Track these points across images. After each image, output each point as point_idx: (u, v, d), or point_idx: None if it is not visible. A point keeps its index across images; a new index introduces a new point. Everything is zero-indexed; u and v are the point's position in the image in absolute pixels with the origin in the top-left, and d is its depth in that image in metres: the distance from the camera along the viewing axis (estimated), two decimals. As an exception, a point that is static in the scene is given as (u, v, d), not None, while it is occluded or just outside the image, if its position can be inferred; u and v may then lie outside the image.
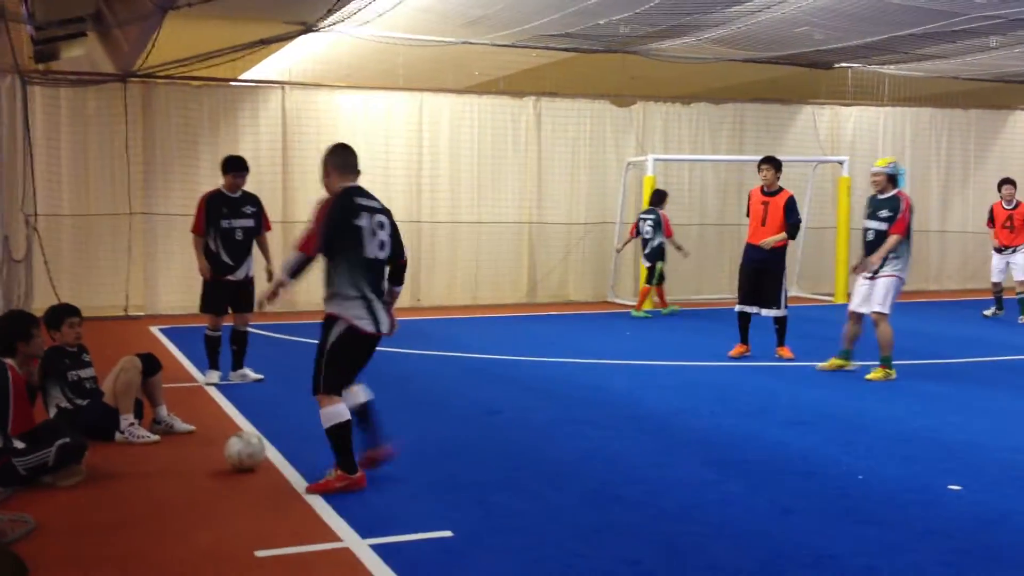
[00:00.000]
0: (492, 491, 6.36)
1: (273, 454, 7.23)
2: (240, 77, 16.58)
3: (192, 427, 7.95)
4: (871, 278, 10.29)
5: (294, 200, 16.09)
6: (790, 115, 18.99)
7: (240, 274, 9.92)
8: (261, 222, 10.15)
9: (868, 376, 10.23)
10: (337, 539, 5.50)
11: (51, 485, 6.41)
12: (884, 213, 10.22)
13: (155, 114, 15.50)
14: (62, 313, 7.69)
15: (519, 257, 17.51)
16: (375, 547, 5.34)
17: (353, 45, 15.53)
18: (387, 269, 6.61)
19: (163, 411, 7.92)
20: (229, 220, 9.80)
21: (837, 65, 18.02)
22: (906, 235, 10.19)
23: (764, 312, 11.60)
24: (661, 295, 16.17)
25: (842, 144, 19.04)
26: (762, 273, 11.54)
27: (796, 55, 16.71)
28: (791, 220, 11.40)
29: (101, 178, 15.34)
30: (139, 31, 12.52)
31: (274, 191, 16.03)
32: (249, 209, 10.00)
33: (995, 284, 15.77)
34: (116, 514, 6.00)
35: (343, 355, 6.41)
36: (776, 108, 18.91)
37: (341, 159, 6.74)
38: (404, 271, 6.81)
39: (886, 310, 10.18)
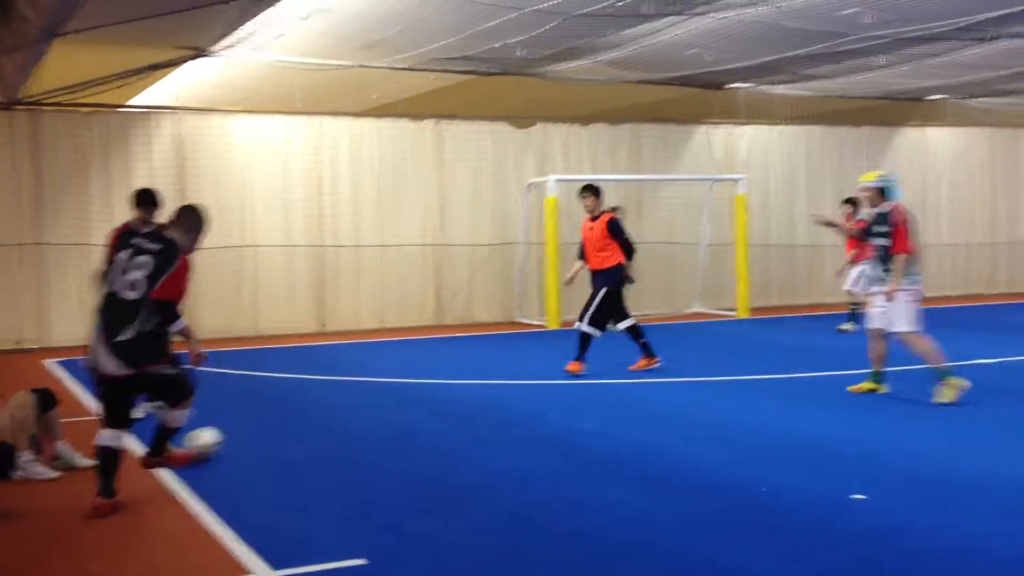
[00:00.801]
0: (405, 516, 6.30)
1: (177, 485, 7.06)
2: (131, 103, 16.24)
3: (93, 462, 7.70)
4: (887, 298, 9.80)
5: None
6: (685, 135, 19.35)
7: None
8: None
9: (937, 399, 9.57)
10: (246, 571, 5.38)
11: (-57, 528, 6.17)
12: (882, 228, 9.84)
13: (43, 142, 15.12)
14: None
15: (424, 279, 17.47)
16: (286, 579, 5.25)
17: (248, 68, 15.33)
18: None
19: (62, 446, 7.68)
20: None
21: (728, 86, 18.43)
22: (913, 249, 9.77)
23: (614, 327, 11.78)
24: None
25: (737, 162, 19.47)
26: (603, 290, 11.60)
27: (688, 76, 17.03)
28: (619, 240, 11.46)
29: (-12, 208, 14.88)
30: (25, 57, 12.21)
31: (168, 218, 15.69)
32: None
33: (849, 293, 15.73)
34: (17, 554, 5.80)
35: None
36: (672, 128, 19.26)
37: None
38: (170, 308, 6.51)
39: (913, 328, 9.73)
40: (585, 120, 18.73)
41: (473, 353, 14.40)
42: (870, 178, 10.19)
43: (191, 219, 6.92)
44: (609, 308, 11.66)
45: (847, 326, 15.44)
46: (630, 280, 11.84)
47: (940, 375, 9.67)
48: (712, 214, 18.94)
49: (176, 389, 6.75)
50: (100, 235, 15.31)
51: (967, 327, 15.49)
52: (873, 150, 20.79)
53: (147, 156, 15.71)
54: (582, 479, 7.21)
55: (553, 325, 16.89)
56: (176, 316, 6.52)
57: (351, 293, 17.01)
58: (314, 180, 16.62)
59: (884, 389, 10.15)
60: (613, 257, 11.60)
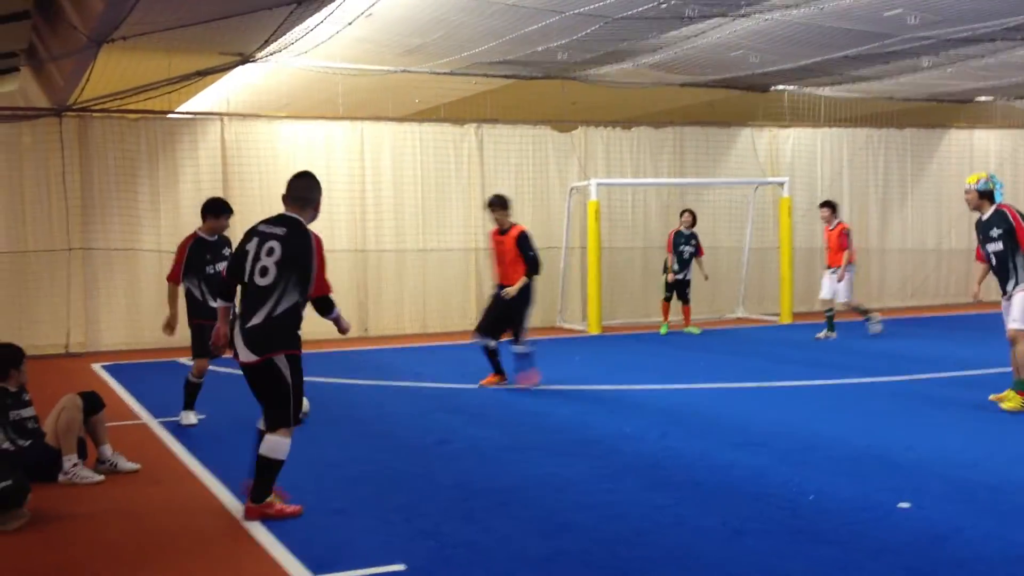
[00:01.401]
0: (444, 522, 6.30)
1: (220, 492, 7.11)
2: (178, 109, 16.44)
3: (138, 466, 7.79)
4: (1010, 298, 9.48)
5: (235, 232, 15.88)
6: (729, 137, 19.22)
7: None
8: None
9: (1003, 406, 9.34)
10: (288, 576, 5.41)
11: (-7, 530, 6.26)
12: (995, 232, 9.45)
13: (92, 148, 15.32)
14: (9, 360, 7.48)
15: (466, 284, 17.48)
16: (326, 584, 5.27)
17: (291, 74, 15.48)
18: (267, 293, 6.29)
19: (107, 450, 7.76)
20: (212, 265, 9.45)
21: (773, 88, 18.30)
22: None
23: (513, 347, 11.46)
24: (666, 311, 16.66)
25: (781, 165, 19.30)
26: (508, 308, 11.26)
27: (733, 78, 16.94)
28: (527, 255, 11.09)
29: (38, 214, 15.12)
30: (73, 65, 12.38)
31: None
32: (227, 251, 9.57)
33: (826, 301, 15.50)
34: (62, 557, 5.86)
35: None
36: (715, 131, 19.13)
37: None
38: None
39: (1022, 325, 9.31)
40: (627, 123, 18.67)
41: (514, 358, 14.35)
42: (972, 180, 9.77)
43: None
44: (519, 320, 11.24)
45: (824, 334, 15.23)
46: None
47: (1018, 384, 9.32)
48: (756, 217, 18.79)
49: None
50: (148, 240, 15.57)
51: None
52: (918, 152, 20.55)
53: (194, 162, 15.87)
54: (622, 484, 7.16)
55: (594, 330, 16.83)
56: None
57: (394, 297, 17.07)
58: (357, 184, 16.69)
59: None
60: (516, 271, 11.14)
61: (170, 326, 9.53)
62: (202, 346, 9.23)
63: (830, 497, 6.70)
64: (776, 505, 6.56)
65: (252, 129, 16.26)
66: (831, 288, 15.27)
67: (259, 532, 6.14)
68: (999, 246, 9.46)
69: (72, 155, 15.19)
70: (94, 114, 15.24)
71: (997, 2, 11.68)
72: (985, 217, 9.61)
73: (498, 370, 11.56)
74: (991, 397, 9.83)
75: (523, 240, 11.17)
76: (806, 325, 17.34)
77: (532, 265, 11.11)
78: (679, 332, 16.38)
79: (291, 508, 6.43)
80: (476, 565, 5.52)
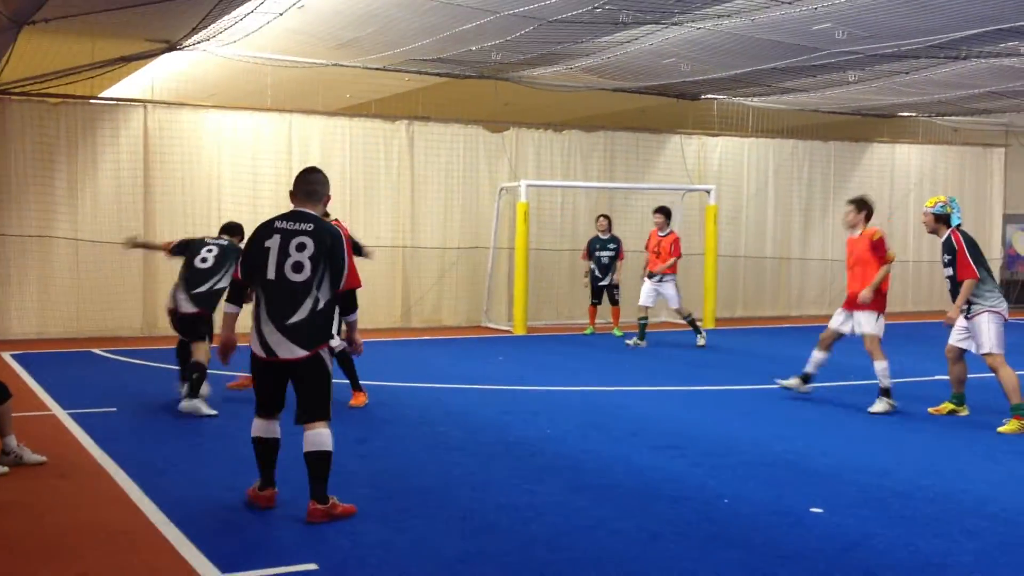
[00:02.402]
0: (358, 521, 6.20)
1: (129, 487, 6.93)
2: (100, 95, 16.05)
3: (43, 458, 7.56)
4: (968, 317, 9.43)
5: (155, 221, 15.65)
6: (659, 144, 19.36)
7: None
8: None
9: (1001, 429, 9.19)
10: (196, 574, 5.27)
11: None
12: (946, 258, 9.50)
13: (9, 132, 14.90)
14: None
15: (393, 281, 17.35)
16: (235, 582, 5.15)
17: (219, 64, 15.22)
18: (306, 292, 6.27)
19: (12, 441, 7.51)
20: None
21: (704, 96, 18.48)
22: (980, 273, 9.28)
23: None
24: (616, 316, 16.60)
25: (709, 173, 19.49)
26: None
27: (664, 86, 17.07)
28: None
29: (-50, 197, 14.66)
30: (-8, 44, 12.01)
31: (135, 212, 15.57)
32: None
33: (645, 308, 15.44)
34: (-44, 553, 5.65)
35: (252, 377, 6.51)
36: (645, 137, 19.26)
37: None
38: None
39: (996, 350, 9.25)
40: (559, 126, 18.71)
41: (438, 357, 14.31)
42: (930, 204, 9.73)
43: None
44: None
45: (634, 341, 15.28)
46: None
47: (1015, 409, 9.26)
48: (683, 224, 18.94)
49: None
50: (63, 228, 15.18)
51: (931, 343, 15.53)
52: (841, 164, 20.91)
53: (115, 149, 15.52)
54: (542, 486, 7.13)
55: (520, 330, 16.84)
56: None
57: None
58: (284, 178, 16.43)
59: (965, 411, 9.83)
60: None
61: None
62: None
63: (744, 501, 6.75)
64: (692, 509, 6.59)
65: (176, 118, 15.95)
66: (650, 296, 15.21)
67: (168, 529, 6.00)
68: (950, 271, 9.49)
69: (-12, 137, 14.78)
70: (13, 97, 14.82)
71: (923, 20, 11.89)
72: (942, 240, 9.61)
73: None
74: (930, 410, 9.96)
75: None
76: (729, 331, 17.54)
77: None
78: (605, 334, 16.43)
79: (349, 506, 6.31)
80: (390, 565, 5.45)
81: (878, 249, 10.12)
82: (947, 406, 9.92)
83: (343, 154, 16.91)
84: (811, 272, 20.80)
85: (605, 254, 16.43)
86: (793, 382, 10.73)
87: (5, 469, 7.27)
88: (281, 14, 12.20)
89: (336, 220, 10.79)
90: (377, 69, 15.62)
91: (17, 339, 14.67)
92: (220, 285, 9.52)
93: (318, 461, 6.21)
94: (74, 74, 14.04)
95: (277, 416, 6.49)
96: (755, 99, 18.51)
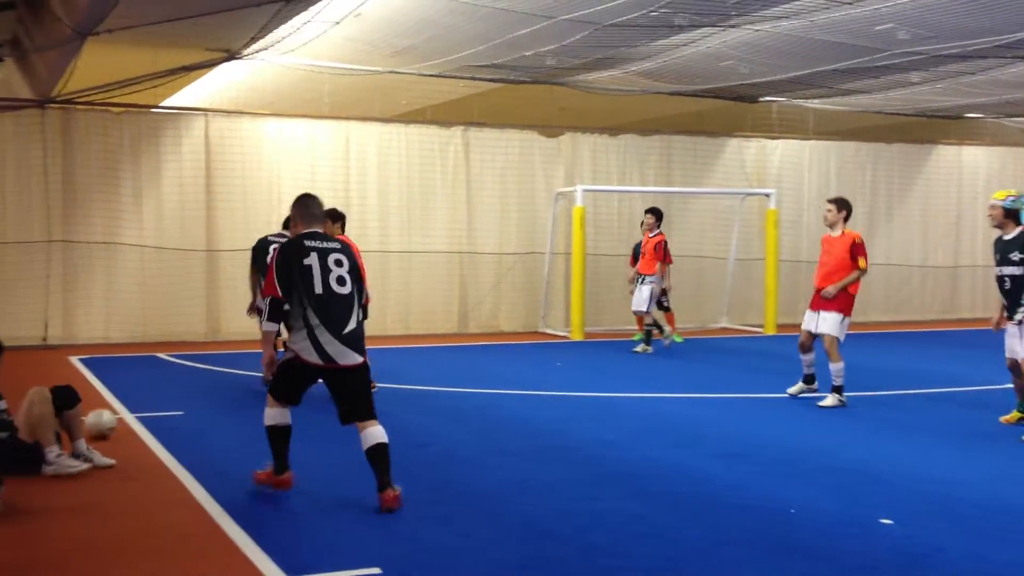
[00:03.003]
0: (421, 526, 6.22)
1: (196, 489, 7.01)
2: (162, 104, 16.31)
3: (112, 461, 7.67)
4: (1019, 324, 9.13)
5: (217, 228, 15.85)
6: (717, 147, 19.20)
7: None
8: None
9: (1004, 419, 9.35)
10: (261, 578, 5.32)
11: (-39, 524, 6.14)
12: (1016, 256, 9.03)
13: (74, 140, 15.18)
14: None
15: (450, 287, 17.40)
16: (300, 586, 5.18)
17: (278, 72, 15.38)
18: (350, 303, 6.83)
19: (82, 444, 7.64)
20: None
21: (762, 99, 18.30)
22: None
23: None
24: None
25: (768, 177, 19.28)
26: None
27: (722, 88, 16.92)
28: None
29: (19, 206, 15.00)
30: (58, 56, 12.26)
31: (198, 218, 15.79)
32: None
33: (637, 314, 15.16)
34: (33, 552, 5.75)
35: (286, 374, 6.89)
36: (703, 140, 19.10)
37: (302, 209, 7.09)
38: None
39: None
40: (615, 130, 18.63)
41: (496, 362, 14.32)
42: (1000, 196, 9.34)
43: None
44: None
45: (642, 348, 14.98)
46: None
47: None
48: (742, 228, 18.78)
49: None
50: (128, 234, 15.44)
51: (997, 349, 15.23)
52: (905, 167, 20.56)
53: (177, 157, 15.75)
54: (603, 492, 7.09)
55: (577, 336, 16.79)
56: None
57: (377, 299, 16.90)
58: (341, 185, 16.59)
59: None
60: None
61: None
62: None
63: (811, 510, 6.65)
64: (757, 517, 6.50)
65: (236, 126, 16.15)
66: (638, 299, 14.96)
67: (234, 531, 6.06)
68: (1017, 270, 9.08)
69: (54, 147, 15.06)
70: (78, 106, 15.11)
71: (988, 20, 11.66)
72: (1008, 237, 9.22)
73: None
74: (1001, 419, 9.68)
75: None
76: (791, 337, 17.30)
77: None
78: (658, 340, 16.15)
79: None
80: (451, 570, 5.45)
81: (857, 252, 10.36)
82: (1016, 415, 9.65)
83: (399, 160, 16.99)
84: (874, 277, 20.42)
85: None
86: (799, 387, 10.87)
87: (87, 465, 7.39)
88: (338, 23, 12.30)
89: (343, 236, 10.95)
90: (432, 76, 15.68)
91: (85, 344, 14.94)
92: None
93: (384, 452, 6.66)
94: (137, 84, 14.27)
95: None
96: (816, 101, 18.27)
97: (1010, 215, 9.22)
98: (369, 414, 6.73)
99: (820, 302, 10.47)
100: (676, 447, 8.60)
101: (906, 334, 17.63)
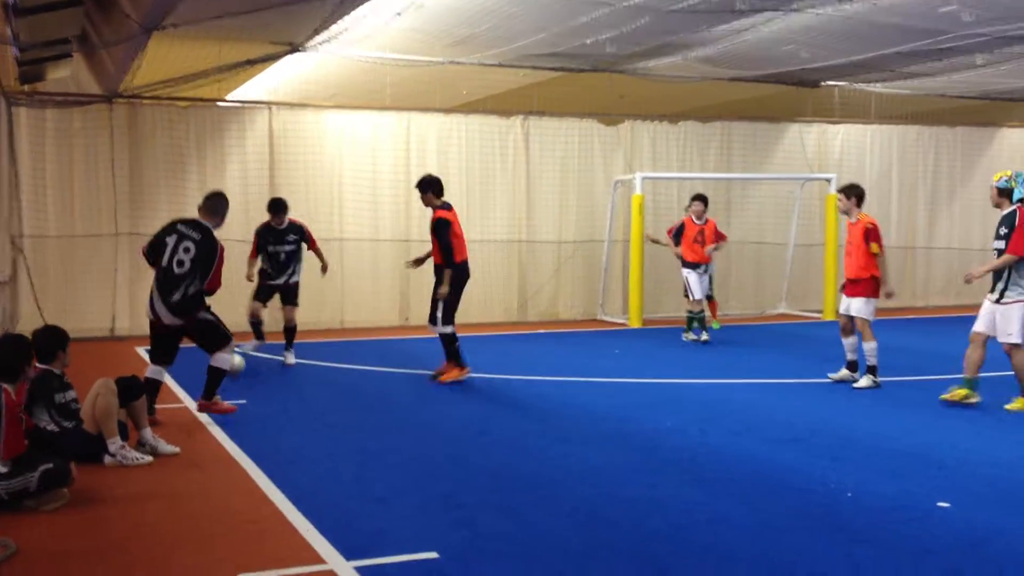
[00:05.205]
0: (479, 512, 6.30)
1: (258, 476, 7.16)
2: (226, 97, 16.55)
3: (177, 449, 7.87)
4: (997, 302, 9.53)
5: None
6: (777, 133, 19.02)
7: (281, 279, 12.63)
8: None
9: (1009, 407, 9.47)
10: (321, 561, 5.43)
11: (34, 509, 6.34)
12: (1002, 231, 9.52)
13: (141, 135, 15.46)
14: (56, 342, 7.54)
15: (509, 275, 17.46)
16: (360, 569, 5.28)
17: (340, 64, 15.53)
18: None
19: (147, 433, 7.84)
20: (274, 246, 12.62)
21: (824, 83, 18.10)
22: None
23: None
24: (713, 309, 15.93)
25: (830, 161, 19.06)
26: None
27: (783, 73, 16.76)
28: (439, 241, 11.09)
29: (87, 199, 15.29)
30: (124, 52, 12.49)
31: (261, 211, 15.94)
32: (292, 236, 12.68)
33: (700, 302, 14.82)
34: (98, 538, 5.93)
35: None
36: (763, 126, 18.94)
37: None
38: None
39: (1019, 340, 9.38)
40: (674, 118, 18.54)
41: (556, 350, 14.37)
42: (996, 178, 9.87)
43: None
44: (448, 306, 11.28)
45: (694, 335, 14.75)
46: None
47: None
48: (802, 214, 18.60)
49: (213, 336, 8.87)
50: (193, 226, 15.68)
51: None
52: (968, 150, 20.19)
53: (241, 150, 15.98)
54: (661, 479, 7.13)
55: (635, 323, 16.77)
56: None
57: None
58: (402, 175, 16.71)
59: (977, 398, 9.76)
60: (439, 256, 11.21)
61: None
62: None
63: (869, 495, 6.63)
64: (815, 502, 6.50)
65: (299, 118, 16.33)
66: (702, 287, 14.74)
67: (295, 517, 6.19)
68: (1001, 245, 9.51)
69: (121, 141, 15.35)
70: (144, 101, 15.38)
71: (1054, -1, 11.46)
72: (1003, 213, 9.70)
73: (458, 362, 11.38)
74: (942, 397, 9.85)
75: (433, 226, 11.15)
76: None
77: (445, 253, 11.12)
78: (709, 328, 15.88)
79: (228, 404, 9.17)
80: (510, 556, 5.52)
81: (870, 237, 10.72)
82: (961, 391, 9.74)
83: (459, 150, 17.07)
84: (937, 261, 20.17)
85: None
86: (844, 374, 11.10)
87: (150, 458, 7.58)
88: (399, 13, 12.40)
89: (438, 210, 11.28)
90: (492, 65, 15.73)
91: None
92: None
93: (215, 372, 9.01)
94: (202, 77, 14.49)
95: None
96: (877, 85, 18.03)
97: (1004, 194, 9.71)
98: (214, 348, 8.87)
99: (849, 287, 10.95)
100: (734, 433, 8.60)
101: (968, 318, 17.25)
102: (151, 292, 8.85)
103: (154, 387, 8.91)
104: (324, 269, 12.82)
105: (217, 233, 9.03)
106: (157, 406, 9.03)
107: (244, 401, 9.84)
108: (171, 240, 8.80)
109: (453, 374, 11.22)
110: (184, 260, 8.71)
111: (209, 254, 8.75)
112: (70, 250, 15.22)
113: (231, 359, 9.26)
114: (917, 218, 19.92)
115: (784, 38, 13.78)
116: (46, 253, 15.10)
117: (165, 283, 8.73)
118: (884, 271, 10.88)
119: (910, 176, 19.87)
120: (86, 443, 7.43)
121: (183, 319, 8.76)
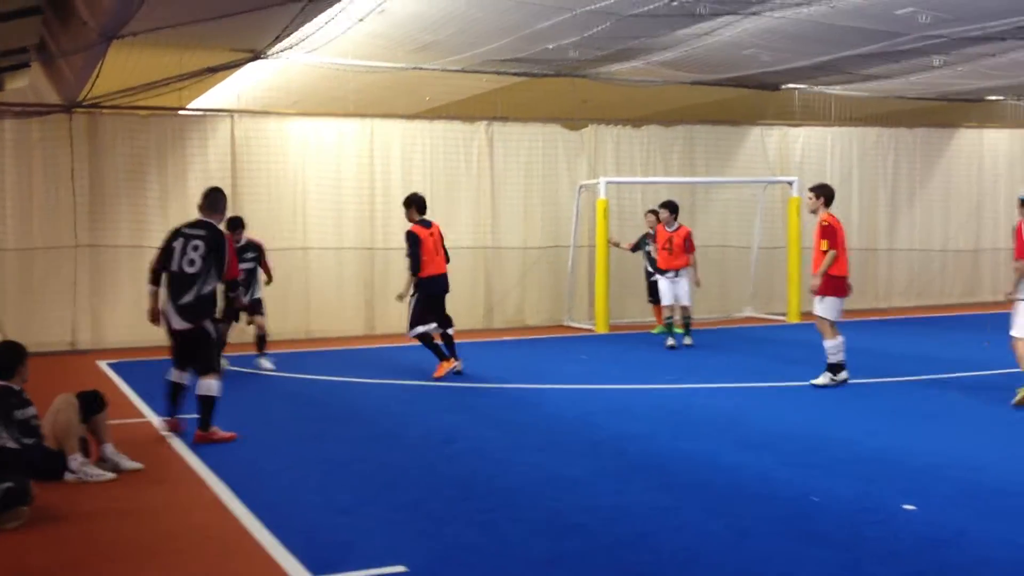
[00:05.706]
0: (446, 523, 6.27)
1: (221, 490, 7.10)
2: (188, 106, 16.42)
3: (139, 465, 7.76)
4: (1014, 299, 9.83)
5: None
6: (740, 136, 19.14)
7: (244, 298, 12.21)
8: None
9: (1015, 401, 9.58)
10: (287, 577, 5.39)
11: (-7, 528, 6.25)
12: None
13: (101, 144, 15.31)
14: (16, 358, 7.43)
15: (475, 282, 17.42)
16: (327, 584, 5.24)
17: (302, 71, 15.44)
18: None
19: (109, 449, 7.73)
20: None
21: (784, 86, 18.22)
22: None
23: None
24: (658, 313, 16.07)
25: (791, 164, 19.21)
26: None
27: (744, 77, 16.86)
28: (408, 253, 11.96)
29: (46, 210, 15.13)
30: (84, 61, 12.36)
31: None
32: (249, 255, 12.68)
33: (670, 308, 14.88)
34: (62, 555, 5.85)
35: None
36: (726, 130, 19.06)
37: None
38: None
39: (1021, 334, 9.66)
40: (638, 122, 18.61)
41: (522, 356, 14.36)
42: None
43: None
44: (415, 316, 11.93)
45: (679, 341, 14.64)
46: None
47: None
48: (765, 216, 18.71)
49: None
50: (155, 237, 15.48)
51: None
52: (928, 151, 20.45)
53: (203, 159, 15.86)
54: (628, 486, 7.13)
55: (602, 329, 16.80)
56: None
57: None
58: (366, 182, 16.66)
59: None
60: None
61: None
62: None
63: (835, 499, 6.66)
64: (781, 507, 6.52)
65: (262, 126, 16.25)
66: (673, 293, 14.72)
67: (260, 532, 6.13)
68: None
69: (81, 151, 15.19)
70: (104, 110, 15.23)
71: (1009, 1, 11.58)
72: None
73: (442, 356, 11.96)
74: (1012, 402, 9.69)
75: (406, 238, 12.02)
76: (813, 325, 17.25)
77: (412, 264, 11.92)
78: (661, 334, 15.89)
79: (227, 433, 8.78)
80: (478, 567, 5.50)
81: (821, 235, 10.78)
82: None
83: (424, 157, 17.04)
84: (898, 263, 20.37)
85: (651, 248, 15.95)
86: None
87: (112, 475, 7.47)
88: (362, 19, 12.34)
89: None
90: (456, 71, 15.71)
91: (112, 348, 15.06)
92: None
93: (207, 402, 8.74)
94: (163, 86, 14.36)
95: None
96: (837, 87, 18.17)
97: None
98: (204, 370, 8.69)
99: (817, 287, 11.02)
100: (702, 438, 8.62)
101: (929, 319, 17.48)
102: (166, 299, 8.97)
103: (177, 390, 9.05)
104: (268, 281, 13.04)
105: None
106: (115, 422, 8.88)
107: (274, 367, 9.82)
108: (178, 244, 8.91)
109: (441, 369, 11.81)
110: (195, 259, 8.77)
111: (220, 244, 8.84)
112: (29, 262, 15.04)
113: (219, 386, 8.82)
114: (878, 220, 20.11)
115: (745, 42, 13.86)
116: (4, 266, 14.93)
117: (176, 286, 8.82)
118: (823, 267, 10.81)
119: (871, 178, 20.06)
120: (47, 459, 7.31)
121: (192, 323, 8.74)
